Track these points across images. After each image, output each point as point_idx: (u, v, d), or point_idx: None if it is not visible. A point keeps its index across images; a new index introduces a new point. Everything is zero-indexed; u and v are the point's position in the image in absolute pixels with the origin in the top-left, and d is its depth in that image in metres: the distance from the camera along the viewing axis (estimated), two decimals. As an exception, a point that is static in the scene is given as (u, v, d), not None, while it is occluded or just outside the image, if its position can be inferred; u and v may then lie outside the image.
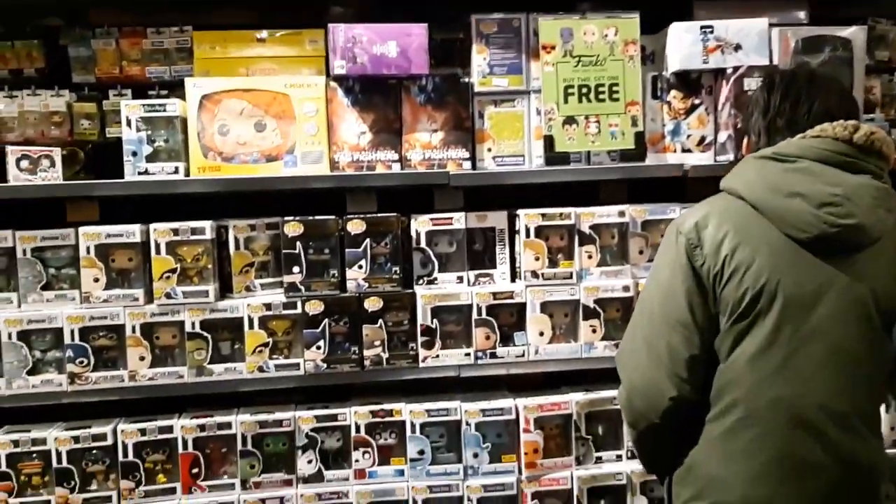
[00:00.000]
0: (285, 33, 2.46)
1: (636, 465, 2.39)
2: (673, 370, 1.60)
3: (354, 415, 2.35)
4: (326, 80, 2.38)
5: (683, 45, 2.42)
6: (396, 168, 2.40)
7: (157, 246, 2.28)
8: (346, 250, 2.35)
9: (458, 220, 2.41)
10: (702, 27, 2.42)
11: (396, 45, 2.31)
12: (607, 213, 2.44)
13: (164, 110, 2.31)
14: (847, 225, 1.50)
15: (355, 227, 2.35)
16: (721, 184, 1.69)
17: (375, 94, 2.39)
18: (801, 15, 2.61)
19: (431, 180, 2.39)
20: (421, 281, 2.40)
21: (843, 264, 1.54)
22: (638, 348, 1.66)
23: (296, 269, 2.33)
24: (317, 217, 2.35)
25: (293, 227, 2.32)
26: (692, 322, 1.59)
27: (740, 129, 1.79)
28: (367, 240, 2.35)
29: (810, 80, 1.67)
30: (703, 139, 2.50)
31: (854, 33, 2.43)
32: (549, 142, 2.41)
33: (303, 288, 2.33)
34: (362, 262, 2.35)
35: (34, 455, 2.27)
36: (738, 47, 2.42)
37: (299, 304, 2.32)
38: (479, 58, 2.43)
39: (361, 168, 2.39)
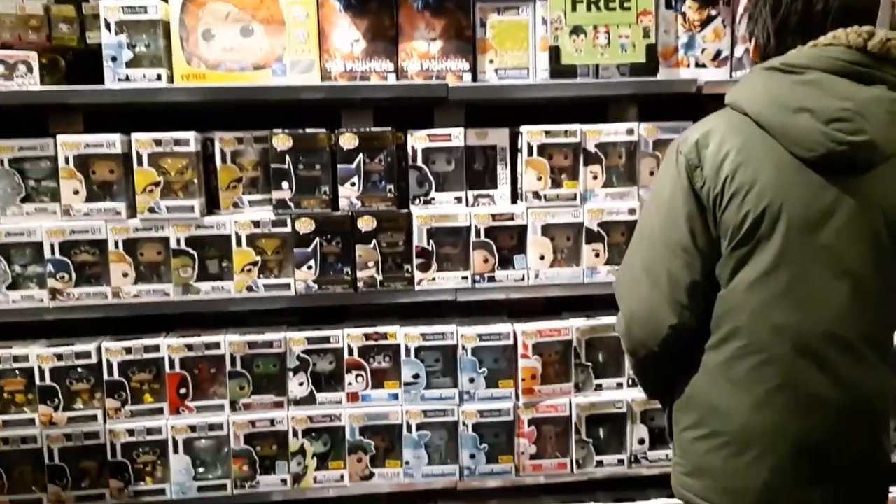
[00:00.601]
0: (274, -68, 2.28)
1: (637, 394, 2.32)
2: (673, 297, 1.50)
3: (347, 337, 2.27)
4: (318, -17, 2.23)
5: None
6: (392, 79, 2.27)
7: (140, 157, 2.17)
8: (339, 166, 2.23)
9: (457, 137, 2.28)
10: (723, -70, 2.24)
11: (393, -57, 2.14)
12: (615, 131, 2.31)
13: (145, 12, 2.17)
14: (857, 142, 1.38)
15: (348, 141, 2.23)
16: (726, 98, 1.55)
17: (370, -1, 2.24)
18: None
19: (429, 92, 2.25)
20: (417, 201, 2.29)
21: (853, 184, 1.42)
22: (637, 275, 1.56)
23: (285, 184, 2.22)
24: (307, 130, 2.23)
25: (282, 141, 2.20)
26: (693, 247, 1.49)
27: (747, 30, 1.63)
28: (361, 155, 2.23)
29: None
30: (718, 53, 2.35)
31: (888, -62, 2.25)
32: (555, 53, 2.26)
33: (293, 205, 2.22)
34: (355, 180, 2.23)
35: (17, 372, 2.21)
36: (761, -48, 2.24)
37: (289, 222, 2.22)
38: (483, -38, 2.27)
39: (355, 78, 2.25)
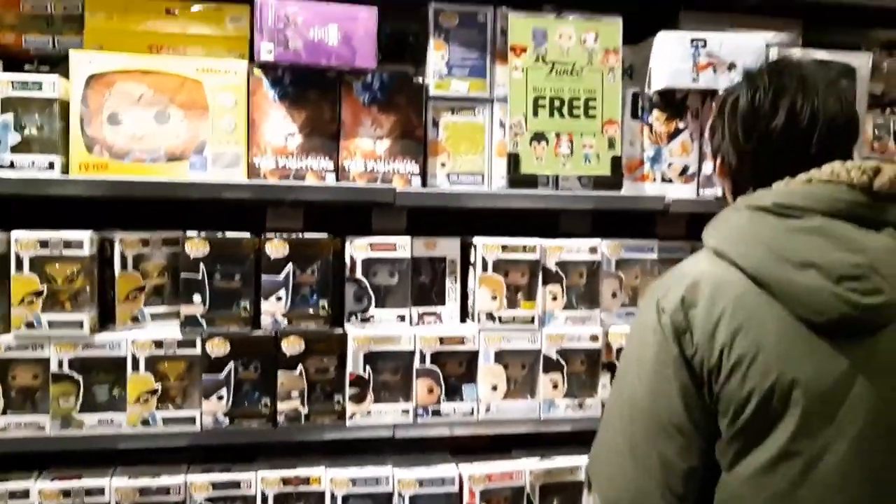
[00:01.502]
0: (203, 7, 2.00)
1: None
2: (667, 485, 1.25)
3: (262, 482, 1.90)
4: (250, 67, 1.94)
5: (672, 59, 2.09)
6: (331, 179, 1.98)
7: (20, 261, 1.79)
8: (263, 277, 1.91)
9: (403, 247, 2.00)
10: (693, 40, 2.10)
11: (339, 29, 1.89)
12: (577, 248, 2.08)
13: (39, 89, 1.82)
14: (873, 305, 1.18)
15: (276, 248, 1.91)
16: (705, 239, 1.33)
17: (310, 87, 1.97)
18: (794, 35, 2.33)
19: (373, 197, 1.98)
20: (353, 318, 1.98)
21: (865, 348, 1.21)
22: (620, 456, 1.29)
23: (197, 297, 1.87)
24: (228, 234, 1.90)
25: (196, 245, 1.87)
26: (690, 426, 1.25)
27: (712, 148, 1.46)
28: (290, 265, 1.92)
29: (802, 77, 1.34)
30: (686, 169, 2.18)
31: (860, 61, 2.16)
32: (513, 160, 2.04)
33: (204, 322, 1.87)
34: (282, 293, 1.91)
35: None
36: (731, 66, 2.11)
37: (199, 343, 1.86)
38: (437, 55, 2.04)
39: (288, 176, 1.96)
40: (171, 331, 1.89)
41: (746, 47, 2.12)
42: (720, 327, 1.20)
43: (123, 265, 1.89)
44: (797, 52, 2.15)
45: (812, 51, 2.16)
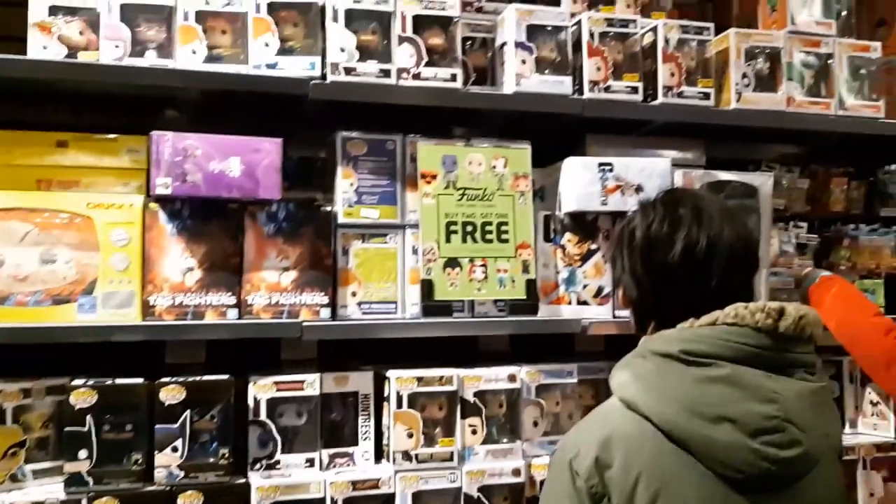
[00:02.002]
0: (97, 138, 1.91)
1: None
2: None
3: None
4: (145, 201, 1.85)
5: (580, 183, 2.10)
6: (233, 315, 1.87)
7: None
8: (157, 426, 1.76)
9: (312, 385, 1.89)
10: (600, 164, 2.12)
11: (241, 162, 1.83)
12: (496, 377, 2.01)
13: None
14: (791, 458, 1.14)
15: (171, 394, 1.77)
16: (614, 388, 1.28)
17: (210, 220, 1.88)
18: (696, 155, 2.39)
19: (278, 332, 1.88)
20: (258, 465, 1.84)
21: (784, 498, 1.17)
22: None
23: (83, 453, 1.70)
24: (118, 381, 1.76)
25: (82, 395, 1.71)
26: None
27: (613, 277, 1.44)
28: (188, 411, 1.77)
29: (698, 208, 1.33)
30: (600, 290, 2.16)
31: (761, 180, 2.22)
32: (427, 287, 1.98)
33: (91, 479, 1.70)
34: (178, 443, 1.76)
35: None
36: (639, 189, 2.13)
37: (85, 503, 1.68)
38: (346, 183, 2.00)
39: (185, 314, 1.84)
40: (53, 490, 1.70)
41: (652, 170, 2.15)
42: (638, 490, 1.13)
43: (2, 418, 1.72)
44: (700, 173, 2.20)
45: (715, 172, 2.21)
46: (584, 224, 2.16)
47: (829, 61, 2.31)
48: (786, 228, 2.47)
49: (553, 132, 2.29)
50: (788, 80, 2.27)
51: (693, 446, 1.13)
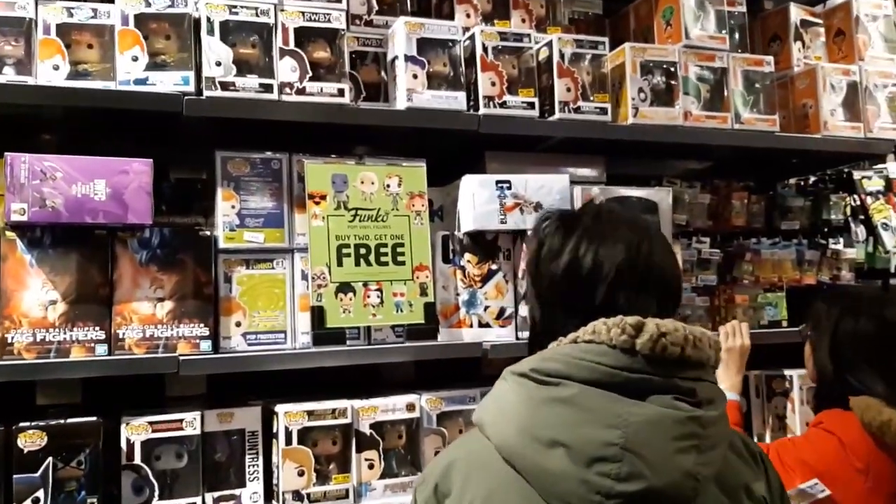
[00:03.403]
0: (-53, 162, 1.74)
1: None
2: None
3: None
4: (0, 229, 1.69)
5: (478, 201, 2.03)
6: (102, 351, 1.72)
7: None
8: (15, 477, 1.59)
9: (192, 424, 1.75)
10: (498, 182, 2.06)
11: (107, 185, 1.69)
12: (393, 407, 1.91)
13: None
14: (630, 493, 0.99)
15: (31, 440, 1.61)
16: (474, 414, 1.18)
17: (75, 247, 1.73)
18: (597, 172, 2.36)
19: (152, 368, 1.74)
20: (132, 515, 1.68)
21: None
22: None
23: (-77, 513, 1.52)
24: (-33, 429, 1.58)
25: (-77, 448, 1.54)
26: None
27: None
28: (50, 458, 1.61)
29: (595, 221, 1.21)
30: (503, 311, 2.08)
31: (660, 196, 2.19)
32: (318, 314, 1.86)
33: (-67, 542, 1.52)
34: (39, 493, 1.59)
35: None
36: (538, 206, 2.07)
37: (-75, 569, 1.50)
38: (227, 205, 1.87)
39: (49, 352, 1.68)
40: None
41: (551, 187, 2.10)
42: None
43: None
44: (599, 189, 2.17)
45: (615, 188, 2.18)
46: (483, 244, 2.09)
47: (724, 75, 2.31)
48: (688, 244, 2.45)
49: (451, 149, 2.22)
50: (685, 95, 2.26)
51: (529, 473, 1.03)
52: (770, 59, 2.39)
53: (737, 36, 2.45)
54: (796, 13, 2.56)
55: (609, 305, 1.13)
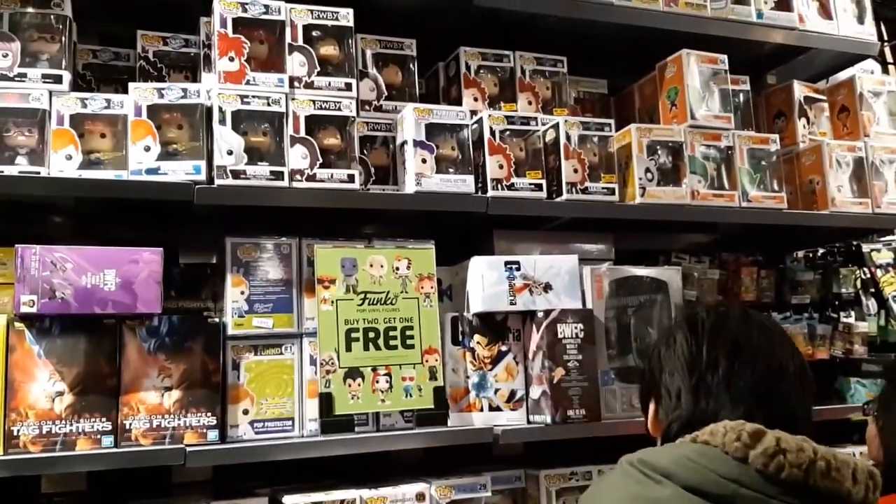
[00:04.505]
0: (-41, 251, 1.75)
1: None
2: None
3: None
4: (9, 320, 1.68)
5: (487, 283, 2.03)
6: (108, 443, 1.70)
7: None
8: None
9: (197, 517, 1.71)
10: (507, 263, 2.06)
11: (117, 274, 1.69)
12: (402, 497, 1.86)
13: None
14: None
15: (33, 538, 1.58)
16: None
17: (83, 337, 1.72)
18: (606, 248, 2.36)
19: (159, 460, 1.71)
20: None
21: None
22: None
23: None
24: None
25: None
26: None
27: (646, 393, 1.30)
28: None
29: (745, 320, 1.21)
30: (513, 394, 2.06)
31: (669, 275, 2.19)
32: (326, 401, 1.84)
33: None
34: None
35: None
36: (547, 287, 2.07)
37: None
38: (236, 291, 1.87)
39: (54, 445, 1.66)
40: None
41: (560, 267, 2.10)
42: None
43: None
44: (608, 268, 2.16)
45: (624, 267, 2.18)
46: (493, 325, 2.08)
47: (730, 154, 2.32)
48: (700, 320, 2.43)
49: (460, 229, 2.23)
50: (692, 174, 2.27)
51: None
52: (775, 136, 2.41)
53: (741, 113, 2.49)
54: (800, 90, 2.59)
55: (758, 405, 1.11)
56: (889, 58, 3.72)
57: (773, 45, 2.53)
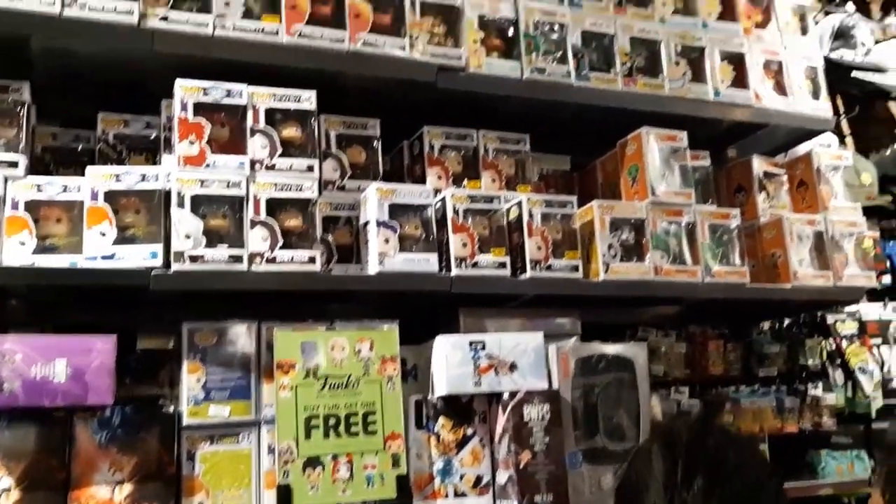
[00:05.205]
0: None
1: None
2: None
3: None
4: (-48, 414, 1.62)
5: (451, 364, 2.00)
6: (55, 542, 1.62)
7: None
8: None
9: None
10: (472, 343, 2.03)
11: (68, 364, 1.65)
12: (364, 588, 1.80)
13: None
14: None
15: None
16: None
17: (32, 430, 1.67)
18: (572, 322, 2.35)
19: (107, 561, 1.64)
20: None
21: None
22: None
23: None
24: None
25: None
26: None
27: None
28: None
29: (722, 437, 1.24)
30: (479, 479, 2.01)
31: (635, 352, 2.17)
32: (284, 494, 1.78)
33: None
34: None
35: None
36: (513, 367, 2.05)
37: None
38: (192, 378, 1.83)
39: (-4, 546, 1.58)
40: None
41: (526, 346, 2.08)
42: None
43: None
44: (574, 346, 2.15)
45: (589, 345, 2.16)
46: (458, 407, 2.04)
47: (692, 229, 2.34)
48: (667, 395, 2.42)
49: (424, 307, 2.21)
50: (654, 249, 2.28)
51: None
52: (736, 211, 2.43)
53: (702, 188, 2.52)
54: (759, 165, 2.64)
55: None
56: (846, 130, 3.83)
57: (731, 121, 2.58)
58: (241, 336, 1.89)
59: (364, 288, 2.01)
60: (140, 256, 1.78)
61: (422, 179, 2.27)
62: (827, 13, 3.68)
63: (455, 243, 2.09)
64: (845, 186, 2.71)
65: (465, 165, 2.33)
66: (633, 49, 2.41)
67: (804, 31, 2.77)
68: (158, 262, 1.79)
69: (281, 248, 1.89)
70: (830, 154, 2.70)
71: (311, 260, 1.91)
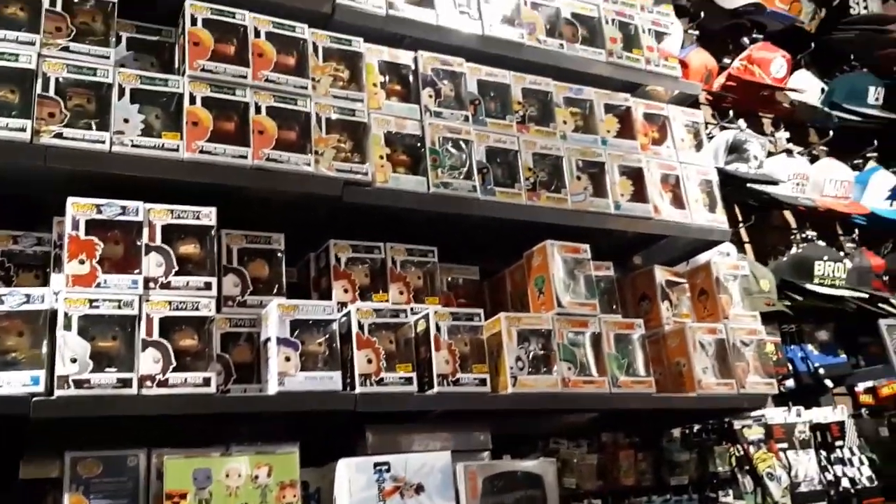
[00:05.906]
0: None
1: None
2: None
3: None
4: None
5: (355, 488, 1.93)
6: None
7: None
8: None
9: None
10: (376, 465, 1.97)
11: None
12: None
13: None
14: None
15: None
16: None
17: None
18: (483, 435, 2.31)
19: None
20: None
21: None
22: None
23: None
24: None
25: None
26: None
27: None
28: None
29: None
30: None
31: (544, 467, 2.15)
32: None
33: None
34: None
35: None
36: (419, 488, 1.99)
37: None
38: (74, 518, 1.70)
39: None
40: None
41: (433, 465, 2.03)
42: None
43: None
44: (483, 464, 2.11)
45: (498, 463, 2.13)
46: (362, 535, 1.95)
47: (598, 339, 2.37)
48: (583, 511, 2.38)
49: (330, 426, 2.14)
50: (562, 361, 2.29)
51: None
52: (640, 322, 2.48)
53: (607, 298, 2.56)
54: (661, 275, 2.71)
55: None
56: (745, 237, 4.00)
57: (633, 232, 2.66)
58: (129, 465, 1.78)
59: (263, 410, 1.94)
60: (20, 382, 1.68)
61: (328, 293, 2.24)
62: (722, 128, 3.90)
63: (360, 360, 2.05)
64: (745, 294, 2.81)
65: (372, 278, 2.32)
66: (535, 164, 2.49)
67: (699, 146, 2.93)
68: (40, 388, 1.69)
69: (174, 370, 1.81)
70: (728, 263, 2.81)
71: (206, 382, 1.84)
